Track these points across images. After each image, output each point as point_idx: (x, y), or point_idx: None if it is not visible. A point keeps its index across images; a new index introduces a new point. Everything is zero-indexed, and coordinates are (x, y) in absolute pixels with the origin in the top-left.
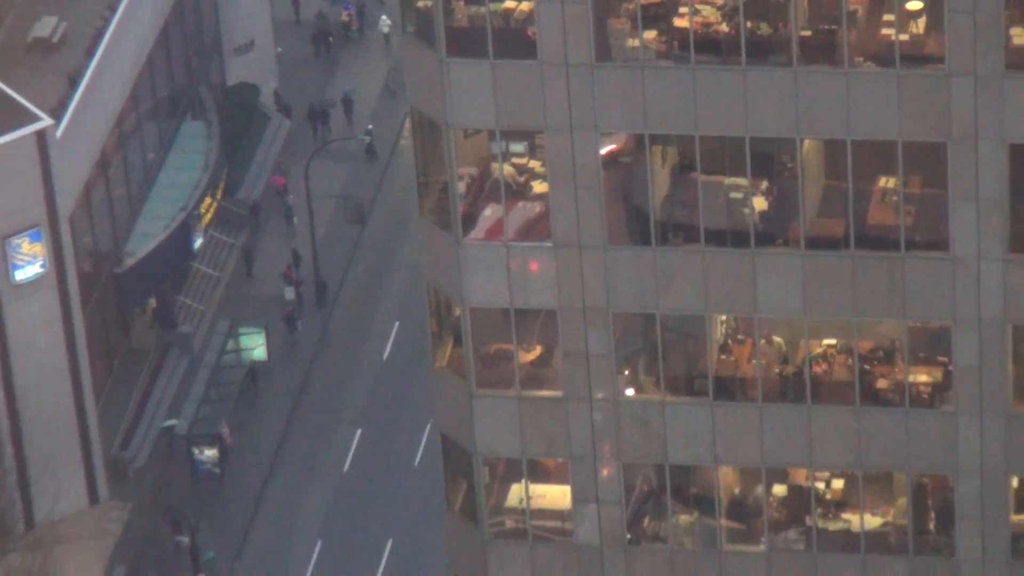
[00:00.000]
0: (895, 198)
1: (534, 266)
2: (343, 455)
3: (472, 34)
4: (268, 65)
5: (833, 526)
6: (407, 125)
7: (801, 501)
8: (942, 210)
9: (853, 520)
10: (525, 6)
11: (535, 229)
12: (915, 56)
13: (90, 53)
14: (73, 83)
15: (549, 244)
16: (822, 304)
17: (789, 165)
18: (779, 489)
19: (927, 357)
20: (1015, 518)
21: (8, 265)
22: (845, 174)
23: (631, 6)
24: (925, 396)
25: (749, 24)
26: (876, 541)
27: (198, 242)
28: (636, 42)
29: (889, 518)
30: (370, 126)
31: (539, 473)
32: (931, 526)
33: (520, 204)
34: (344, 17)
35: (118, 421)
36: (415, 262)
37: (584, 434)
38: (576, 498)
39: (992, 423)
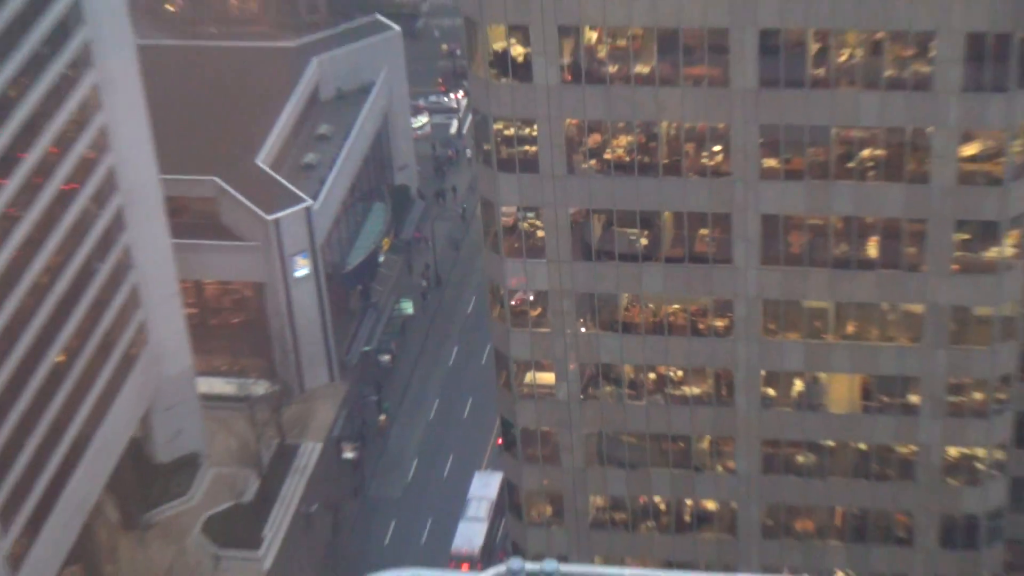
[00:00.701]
0: (708, 238)
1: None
2: (449, 357)
3: (510, 160)
4: (413, 175)
5: (677, 393)
6: (479, 203)
7: (663, 381)
8: (729, 244)
9: (687, 390)
10: (533, 149)
11: (538, 252)
12: (717, 172)
13: (329, 169)
14: (322, 184)
15: (544, 260)
16: (672, 289)
17: (657, 223)
18: (652, 375)
19: (722, 313)
20: (762, 389)
21: (293, 269)
22: (683, 227)
23: (583, 149)
24: (721, 332)
25: (639, 157)
26: (697, 400)
27: (381, 259)
28: (586, 165)
29: (704, 388)
30: (464, 205)
31: (539, 367)
32: (723, 392)
33: (531, 241)
34: (450, 153)
35: (343, 343)
36: (482, 267)
37: (561, 349)
38: (557, 378)
39: (752, 345)
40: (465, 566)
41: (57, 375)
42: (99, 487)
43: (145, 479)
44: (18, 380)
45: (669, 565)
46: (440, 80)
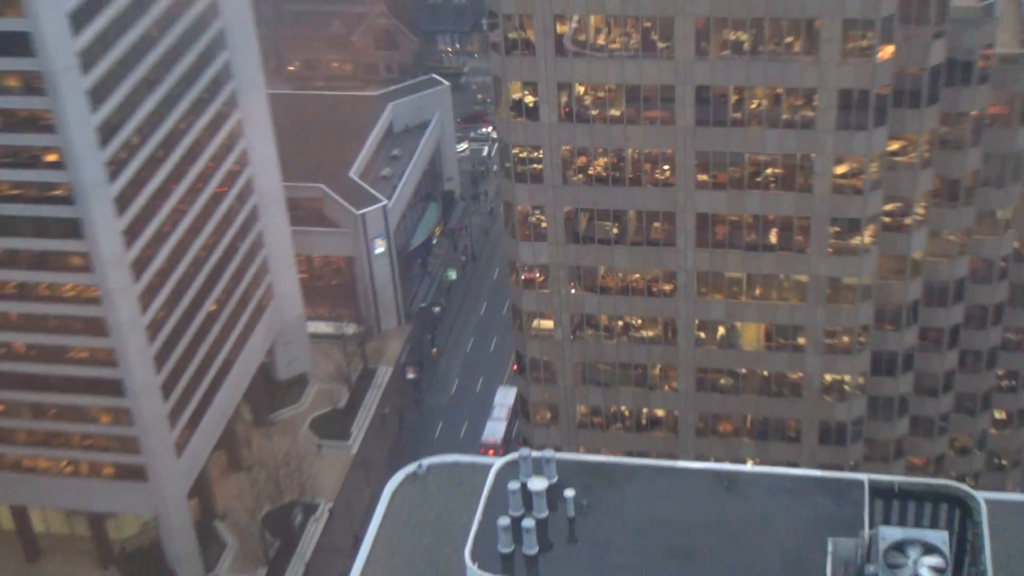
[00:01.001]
0: (659, 229)
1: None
2: (480, 309)
3: (523, 174)
4: (457, 184)
5: (637, 336)
6: (502, 203)
7: (627, 327)
8: (674, 233)
9: (644, 334)
10: (539, 166)
11: (542, 237)
12: (666, 183)
13: (399, 179)
14: (394, 189)
15: (546, 242)
16: (635, 263)
17: (625, 218)
18: (620, 323)
19: (668, 280)
20: (696, 333)
21: (373, 248)
22: (643, 221)
23: (575, 166)
24: (668, 293)
25: (612, 173)
26: (651, 340)
27: (434, 241)
28: (576, 178)
29: (656, 332)
30: (492, 205)
31: (542, 317)
32: (669, 335)
33: (537, 230)
34: (482, 169)
35: (407, 298)
36: (504, 248)
37: (557, 304)
38: (554, 324)
39: (689, 303)
40: (491, 452)
41: (210, 320)
42: (238, 396)
43: (270, 391)
44: (182, 324)
45: (630, 454)
46: (459, 120)
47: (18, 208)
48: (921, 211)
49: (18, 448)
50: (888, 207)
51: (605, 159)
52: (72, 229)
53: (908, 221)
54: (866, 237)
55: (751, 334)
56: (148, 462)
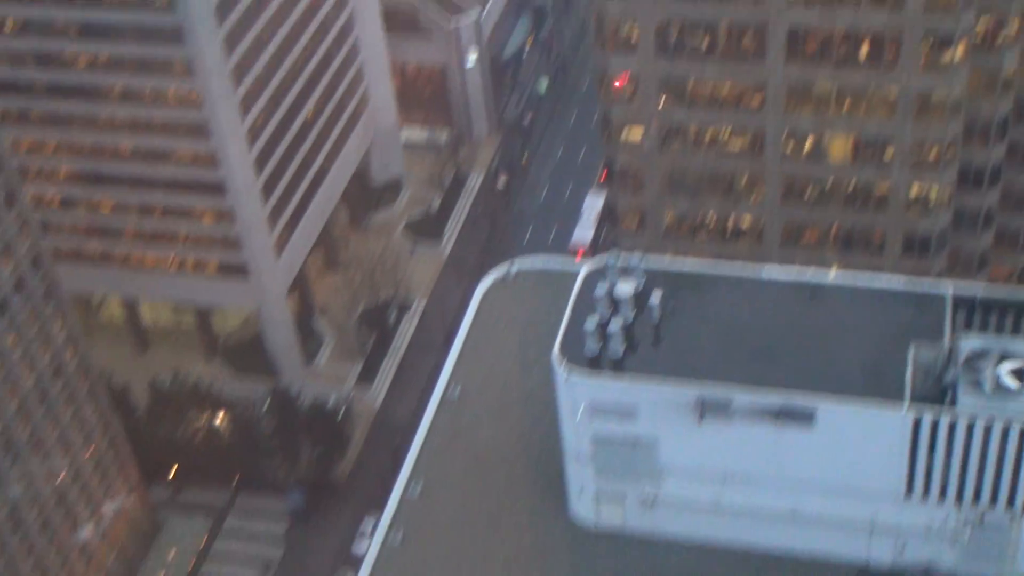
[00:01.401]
0: (750, 42)
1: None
2: (571, 119)
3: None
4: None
5: (724, 147)
6: (594, 16)
7: (716, 138)
8: (764, 47)
9: (732, 145)
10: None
11: (632, 49)
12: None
13: None
14: (486, 1)
15: (636, 55)
16: (724, 75)
17: (716, 32)
18: (708, 134)
19: (756, 92)
20: (784, 145)
21: (466, 58)
22: (733, 35)
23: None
24: (756, 106)
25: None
26: (739, 153)
27: (526, 51)
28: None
29: (743, 144)
30: (583, 17)
31: (631, 127)
32: (757, 147)
33: (628, 43)
34: None
35: (499, 107)
36: (594, 59)
37: (646, 115)
38: (643, 135)
39: (778, 115)
40: (580, 252)
41: (307, 125)
42: (335, 200)
43: (365, 195)
44: (281, 129)
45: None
46: None
47: (120, 16)
48: (1015, 29)
49: (128, 245)
50: (981, 25)
51: None
52: (174, 35)
53: (1001, 39)
54: (958, 53)
55: (839, 147)
56: (249, 259)
